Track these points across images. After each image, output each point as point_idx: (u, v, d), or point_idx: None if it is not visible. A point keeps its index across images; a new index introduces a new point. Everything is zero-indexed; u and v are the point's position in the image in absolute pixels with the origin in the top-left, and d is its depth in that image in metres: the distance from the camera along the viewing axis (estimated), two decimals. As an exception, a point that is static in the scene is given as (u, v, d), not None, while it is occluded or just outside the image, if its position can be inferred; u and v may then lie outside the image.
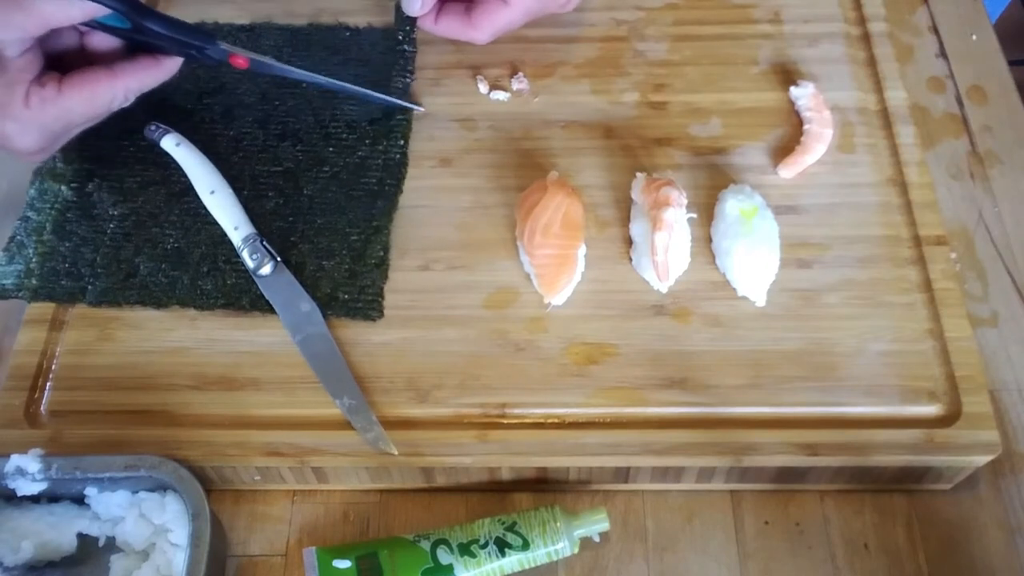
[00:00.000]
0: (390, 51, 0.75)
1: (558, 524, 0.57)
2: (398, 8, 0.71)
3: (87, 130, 0.70)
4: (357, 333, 0.62)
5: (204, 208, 0.66)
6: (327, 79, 0.68)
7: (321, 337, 0.61)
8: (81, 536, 0.57)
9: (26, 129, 0.58)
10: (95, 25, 0.60)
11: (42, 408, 0.60)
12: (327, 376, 0.60)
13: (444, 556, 0.56)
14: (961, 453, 0.57)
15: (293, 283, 0.63)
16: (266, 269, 0.63)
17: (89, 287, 0.64)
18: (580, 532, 0.57)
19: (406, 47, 0.73)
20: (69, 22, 0.57)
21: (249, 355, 0.61)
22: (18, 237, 0.66)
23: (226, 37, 0.76)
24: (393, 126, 0.71)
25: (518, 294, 0.63)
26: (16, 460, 0.55)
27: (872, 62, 0.74)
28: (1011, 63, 0.82)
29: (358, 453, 0.58)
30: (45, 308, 0.64)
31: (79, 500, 0.57)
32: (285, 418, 0.59)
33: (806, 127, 0.69)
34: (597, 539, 0.58)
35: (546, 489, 0.61)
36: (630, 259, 0.65)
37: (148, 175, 0.69)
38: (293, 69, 0.67)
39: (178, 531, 0.55)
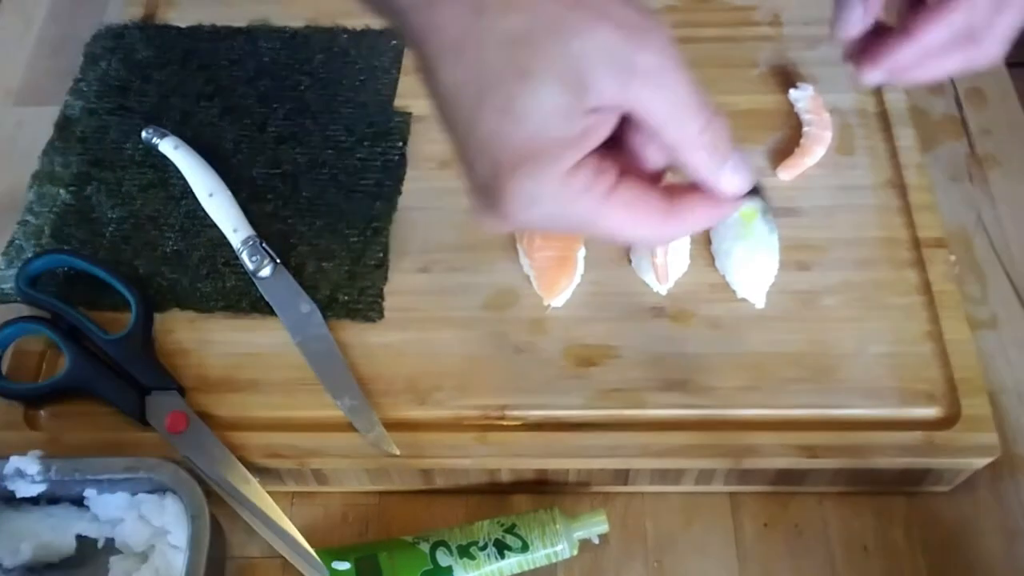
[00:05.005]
0: (388, 53, 0.75)
1: (557, 526, 0.57)
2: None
3: (87, 133, 0.71)
4: (356, 334, 0.62)
5: (203, 211, 0.66)
6: None
7: (322, 338, 0.61)
8: (80, 538, 0.57)
9: (532, 200, 0.39)
10: None
11: (41, 410, 0.60)
12: (328, 377, 0.60)
13: (443, 558, 0.56)
14: (960, 455, 0.57)
15: (293, 285, 0.63)
16: (265, 271, 0.63)
17: (88, 289, 0.64)
18: (579, 534, 0.57)
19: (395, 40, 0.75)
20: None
21: (249, 357, 0.61)
22: (17, 241, 0.66)
23: (223, 40, 0.76)
24: (392, 128, 0.71)
25: (517, 296, 0.63)
26: (15, 462, 0.55)
27: (871, 64, 0.74)
28: (1010, 66, 0.83)
29: (358, 455, 0.58)
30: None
31: (78, 502, 0.57)
32: (285, 420, 0.59)
33: (805, 129, 0.69)
34: (596, 541, 0.58)
35: (545, 491, 0.61)
36: (630, 261, 0.65)
37: (146, 178, 0.69)
38: None
39: (177, 533, 0.55)
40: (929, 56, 0.51)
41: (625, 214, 0.40)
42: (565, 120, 0.38)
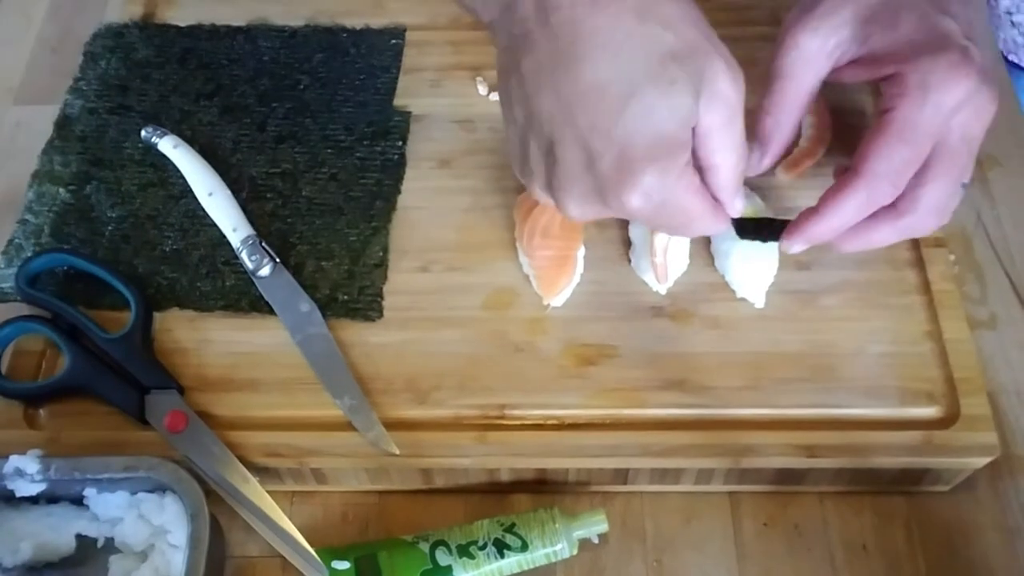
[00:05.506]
0: (387, 52, 0.75)
1: (557, 525, 0.57)
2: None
3: (87, 132, 0.71)
4: (355, 334, 0.62)
5: (203, 210, 0.66)
6: None
7: (322, 337, 0.61)
8: (80, 537, 0.57)
9: (654, 190, 0.46)
10: None
11: (41, 409, 0.60)
12: (328, 376, 0.60)
13: (443, 557, 0.56)
14: (959, 455, 0.57)
15: (292, 284, 0.63)
16: (265, 270, 0.63)
17: (88, 288, 0.64)
18: (579, 533, 0.57)
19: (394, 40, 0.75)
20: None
21: (248, 356, 0.61)
22: (16, 240, 0.66)
23: (223, 39, 0.76)
24: (391, 127, 0.71)
25: (517, 295, 0.63)
26: (15, 461, 0.55)
27: (871, 64, 0.74)
28: (1010, 66, 0.83)
29: (357, 454, 0.58)
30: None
31: (78, 501, 0.57)
32: (284, 419, 0.59)
33: (806, 129, 0.69)
34: (596, 540, 0.58)
35: (545, 490, 0.61)
36: (629, 260, 0.65)
37: (146, 177, 0.69)
38: None
39: (177, 532, 0.55)
40: (849, 231, 0.55)
41: (701, 206, 0.49)
42: (686, 126, 0.46)
